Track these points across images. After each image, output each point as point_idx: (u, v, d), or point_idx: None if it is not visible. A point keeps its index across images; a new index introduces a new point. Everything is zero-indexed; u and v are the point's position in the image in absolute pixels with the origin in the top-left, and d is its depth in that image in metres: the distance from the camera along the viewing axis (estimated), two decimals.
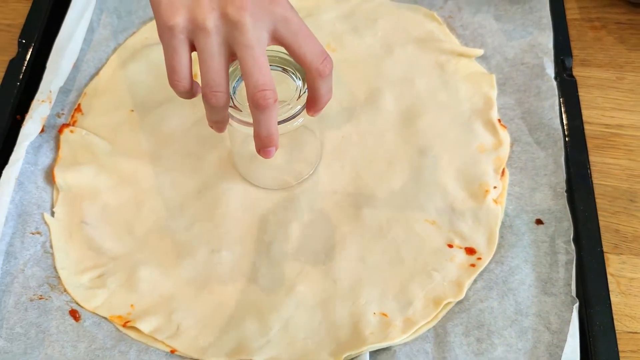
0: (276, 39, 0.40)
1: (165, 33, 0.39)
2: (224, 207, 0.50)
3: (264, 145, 0.41)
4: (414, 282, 0.47)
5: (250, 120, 0.42)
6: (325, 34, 0.59)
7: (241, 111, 0.43)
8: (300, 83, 0.45)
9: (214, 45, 0.39)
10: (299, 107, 0.44)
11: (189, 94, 0.42)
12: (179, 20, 0.38)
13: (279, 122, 0.43)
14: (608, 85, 0.56)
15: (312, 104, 0.43)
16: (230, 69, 0.42)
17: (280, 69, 0.45)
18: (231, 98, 0.43)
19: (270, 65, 0.44)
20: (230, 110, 0.43)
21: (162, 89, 0.54)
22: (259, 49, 0.38)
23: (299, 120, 0.45)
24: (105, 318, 0.46)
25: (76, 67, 0.57)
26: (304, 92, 0.44)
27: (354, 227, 0.49)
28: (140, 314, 0.46)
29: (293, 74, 0.45)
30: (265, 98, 0.38)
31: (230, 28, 0.38)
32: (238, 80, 0.44)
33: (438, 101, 0.55)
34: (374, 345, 0.44)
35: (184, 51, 0.39)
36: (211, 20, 0.38)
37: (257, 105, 0.39)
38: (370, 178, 0.51)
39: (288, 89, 0.45)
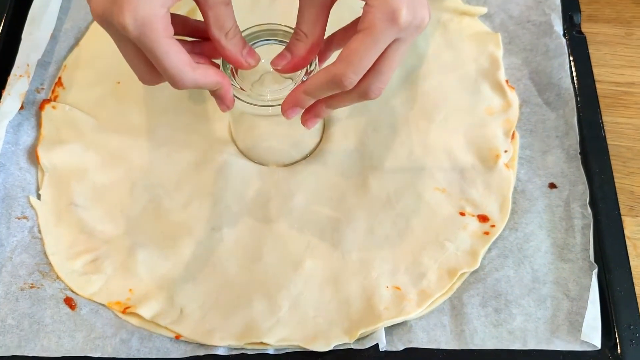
0: None
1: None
2: (222, 181, 0.47)
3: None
4: (426, 253, 0.45)
5: (255, 101, 0.40)
6: None
7: (245, 91, 0.40)
8: None
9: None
10: None
11: None
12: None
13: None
14: (617, 42, 0.54)
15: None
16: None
17: (284, 43, 0.41)
18: (234, 75, 0.40)
19: (274, 39, 0.41)
20: (234, 90, 0.40)
21: None
22: None
23: None
24: (103, 305, 0.44)
25: (54, 37, 0.53)
26: (312, 69, 0.41)
27: (360, 199, 0.47)
28: (141, 298, 0.44)
29: None
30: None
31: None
32: None
33: (442, 62, 0.52)
34: (389, 321, 0.42)
35: None
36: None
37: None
38: (375, 147, 0.49)
39: None
